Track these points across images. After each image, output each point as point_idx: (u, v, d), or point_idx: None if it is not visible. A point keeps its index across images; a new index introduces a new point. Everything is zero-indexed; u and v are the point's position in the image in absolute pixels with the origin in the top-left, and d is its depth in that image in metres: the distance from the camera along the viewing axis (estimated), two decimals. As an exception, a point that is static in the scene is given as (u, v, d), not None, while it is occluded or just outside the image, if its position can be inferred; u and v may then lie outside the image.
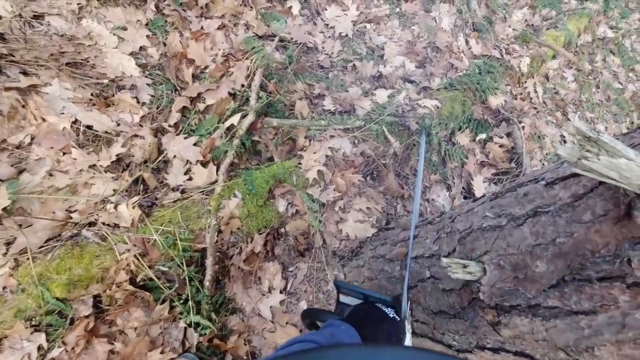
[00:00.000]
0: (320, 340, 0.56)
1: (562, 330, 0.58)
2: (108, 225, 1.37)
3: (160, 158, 1.61)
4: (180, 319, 1.39)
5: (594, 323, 0.53)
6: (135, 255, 1.32)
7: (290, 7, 2.33)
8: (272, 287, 1.54)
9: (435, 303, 0.94)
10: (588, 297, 0.53)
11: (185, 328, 1.39)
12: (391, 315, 0.77)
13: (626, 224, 0.48)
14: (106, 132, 1.55)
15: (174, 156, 1.64)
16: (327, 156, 1.78)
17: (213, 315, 1.43)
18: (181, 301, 1.38)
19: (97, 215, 1.38)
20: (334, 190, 1.72)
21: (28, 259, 1.22)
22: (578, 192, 0.57)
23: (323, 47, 2.34)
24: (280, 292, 1.53)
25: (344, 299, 0.99)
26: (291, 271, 1.59)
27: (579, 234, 0.54)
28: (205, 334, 1.38)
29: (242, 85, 1.82)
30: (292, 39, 2.21)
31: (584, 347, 0.54)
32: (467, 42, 2.71)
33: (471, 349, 0.87)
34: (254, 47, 1.96)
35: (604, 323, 0.51)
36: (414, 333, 1.12)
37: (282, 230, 1.64)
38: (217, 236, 1.50)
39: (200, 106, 1.78)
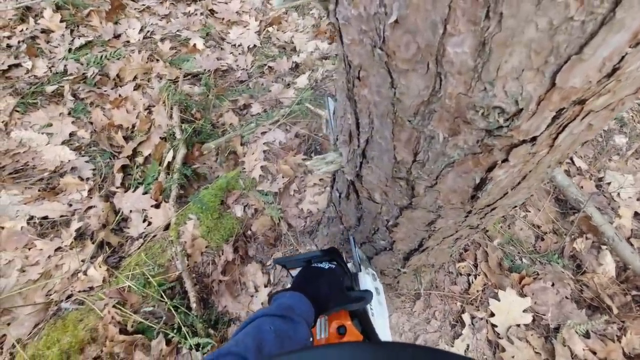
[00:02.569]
0: (269, 312, 0.61)
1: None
2: (83, 291, 1.46)
3: (117, 218, 1.71)
4: (181, 347, 1.44)
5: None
6: (114, 306, 1.39)
7: (195, 45, 2.48)
8: (257, 286, 1.58)
9: (354, 218, 0.97)
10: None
11: (190, 352, 1.43)
12: (326, 267, 0.80)
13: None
14: (61, 215, 1.67)
15: (130, 211, 1.74)
16: (264, 151, 1.85)
17: (211, 331, 1.47)
18: (175, 331, 1.43)
19: (73, 286, 1.47)
20: (282, 177, 1.78)
21: (19, 348, 1.31)
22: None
23: (237, 65, 2.47)
24: (265, 287, 1.56)
25: (293, 272, 1.02)
26: (269, 265, 1.63)
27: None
28: (207, 350, 1.42)
29: (167, 126, 1.94)
30: (205, 70, 2.35)
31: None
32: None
33: (391, 238, 0.89)
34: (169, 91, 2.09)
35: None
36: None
37: (249, 232, 1.69)
38: (188, 260, 1.56)
39: (139, 160, 1.90)
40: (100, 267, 1.49)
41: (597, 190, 2.07)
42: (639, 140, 2.31)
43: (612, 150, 2.27)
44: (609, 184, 2.10)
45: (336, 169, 0.76)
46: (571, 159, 2.20)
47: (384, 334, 0.93)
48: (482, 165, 0.49)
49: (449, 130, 0.44)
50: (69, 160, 1.83)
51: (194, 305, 1.49)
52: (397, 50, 0.38)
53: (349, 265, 1.08)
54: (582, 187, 2.07)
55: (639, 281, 1.71)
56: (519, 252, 1.76)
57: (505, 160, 0.47)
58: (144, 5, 2.59)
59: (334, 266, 0.81)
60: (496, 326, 1.55)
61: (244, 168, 1.82)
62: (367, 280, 0.96)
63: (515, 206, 0.77)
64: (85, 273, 1.49)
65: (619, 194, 2.06)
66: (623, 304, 1.68)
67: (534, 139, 0.42)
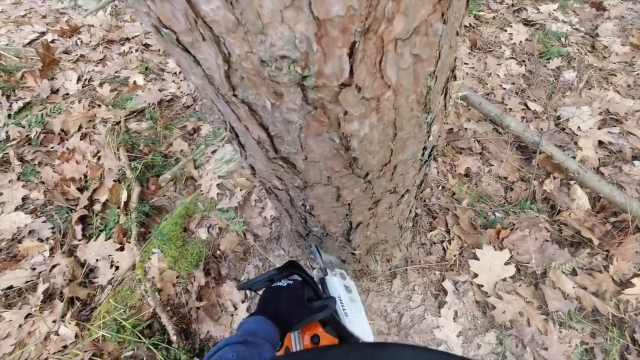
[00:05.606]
0: (231, 341, 0.61)
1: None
2: (58, 352, 1.42)
3: (84, 270, 1.68)
4: (168, 384, 1.40)
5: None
6: (90, 359, 1.35)
7: (135, 82, 2.46)
8: (235, 304, 1.54)
9: (285, 213, 0.95)
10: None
11: (179, 388, 1.40)
12: (285, 284, 0.80)
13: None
14: (26, 282, 1.63)
15: (96, 260, 1.71)
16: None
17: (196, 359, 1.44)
18: (158, 369, 1.40)
19: (47, 350, 1.43)
20: (240, 190, 1.75)
21: None
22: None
23: (181, 91, 2.45)
24: (243, 302, 1.53)
25: (259, 292, 1.01)
26: (243, 279, 1.60)
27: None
28: (196, 381, 1.39)
29: (118, 167, 1.92)
30: (150, 104, 2.33)
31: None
32: None
33: (319, 222, 0.87)
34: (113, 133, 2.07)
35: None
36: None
37: (218, 252, 1.66)
38: (160, 294, 1.53)
39: (97, 207, 1.87)
40: (70, 323, 1.45)
41: (556, 128, 2.06)
42: (588, 70, 2.32)
43: (564, 87, 2.27)
44: (567, 120, 2.10)
45: (237, 166, 0.74)
46: (525, 104, 2.20)
47: (363, 328, 0.92)
48: (328, 123, 0.47)
49: (272, 95, 0.42)
50: (26, 225, 1.80)
51: (174, 339, 1.45)
52: (172, 23, 0.37)
53: (315, 271, 1.07)
54: (541, 129, 2.06)
55: (614, 207, 1.70)
56: (490, 208, 1.75)
57: (346, 113, 0.45)
58: (77, 55, 2.58)
59: (292, 282, 0.81)
60: (482, 286, 1.53)
61: (201, 191, 1.79)
62: (334, 282, 0.96)
63: (425, 161, 0.75)
64: (57, 333, 1.45)
65: (579, 127, 2.06)
66: (604, 233, 1.66)
67: (350, 82, 0.41)
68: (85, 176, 1.98)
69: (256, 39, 0.35)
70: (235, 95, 0.44)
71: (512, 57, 2.45)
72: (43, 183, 1.97)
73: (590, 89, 2.23)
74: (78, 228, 1.78)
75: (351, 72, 0.39)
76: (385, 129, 0.54)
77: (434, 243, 1.59)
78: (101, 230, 1.79)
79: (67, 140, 2.14)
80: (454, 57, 0.54)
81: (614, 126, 2.06)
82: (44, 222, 1.81)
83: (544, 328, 1.44)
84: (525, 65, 2.39)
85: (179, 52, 0.41)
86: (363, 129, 0.50)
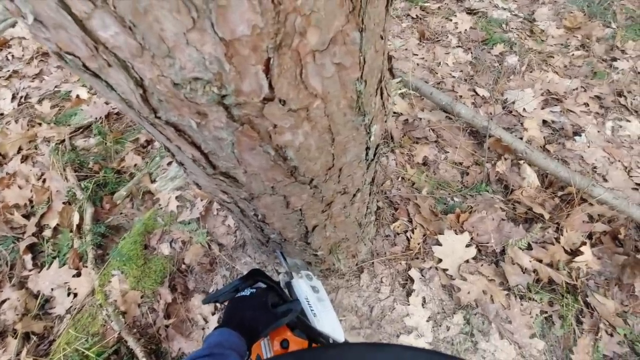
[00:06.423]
0: (197, 355, 0.59)
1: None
2: (15, 392, 1.33)
3: (39, 301, 1.57)
4: (141, 409, 1.35)
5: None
6: (53, 396, 1.28)
7: (78, 96, 2.32)
8: (205, 317, 1.51)
9: (241, 223, 0.93)
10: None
11: (154, 412, 1.35)
12: (248, 293, 0.79)
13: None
14: (-27, 321, 1.51)
15: (51, 289, 1.61)
16: (175, 180, 1.77)
17: (169, 382, 1.39)
18: (129, 396, 1.34)
19: (3, 392, 1.33)
20: (201, 200, 1.70)
21: None
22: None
23: (130, 102, 2.33)
24: (213, 314, 1.50)
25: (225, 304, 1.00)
26: (212, 291, 1.56)
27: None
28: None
29: (66, 189, 1.81)
30: (97, 118, 2.21)
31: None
32: None
33: (274, 229, 0.86)
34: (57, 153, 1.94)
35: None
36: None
37: (183, 266, 1.61)
38: (124, 317, 1.46)
39: (48, 233, 1.75)
40: (26, 361, 1.36)
41: (504, 111, 2.17)
42: (528, 54, 2.45)
43: (508, 71, 2.38)
44: (513, 102, 2.21)
45: (182, 183, 0.71)
46: (474, 90, 2.29)
47: (333, 327, 0.93)
48: (259, 137, 0.46)
49: (196, 115, 0.41)
50: (-33, 260, 1.65)
51: (143, 362, 1.40)
52: (73, 50, 0.34)
53: (280, 276, 1.06)
54: (490, 113, 2.16)
55: (561, 182, 1.81)
56: (449, 194, 1.81)
57: (275, 126, 0.45)
58: (9, 71, 2.39)
59: (255, 290, 0.80)
60: (446, 270, 1.58)
61: (160, 205, 1.73)
62: (301, 284, 0.96)
63: (372, 159, 0.75)
64: (12, 374, 1.36)
65: (524, 109, 2.17)
66: (553, 207, 1.77)
67: (272, 96, 0.40)
68: (31, 201, 1.85)
69: (165, 63, 0.33)
70: (158, 118, 0.42)
71: (459, 46, 2.53)
72: (-17, 215, 1.82)
73: (531, 72, 2.36)
74: (27, 257, 1.67)
75: (271, 86, 0.38)
76: (321, 136, 0.53)
77: (398, 234, 1.62)
78: (54, 257, 1.69)
79: (5, 164, 1.98)
80: (382, 59, 0.54)
81: (555, 105, 2.19)
82: (-13, 255, 1.68)
83: (507, 303, 1.52)
84: (472, 53, 2.49)
85: (89, 78, 0.39)
86: (297, 139, 0.50)
